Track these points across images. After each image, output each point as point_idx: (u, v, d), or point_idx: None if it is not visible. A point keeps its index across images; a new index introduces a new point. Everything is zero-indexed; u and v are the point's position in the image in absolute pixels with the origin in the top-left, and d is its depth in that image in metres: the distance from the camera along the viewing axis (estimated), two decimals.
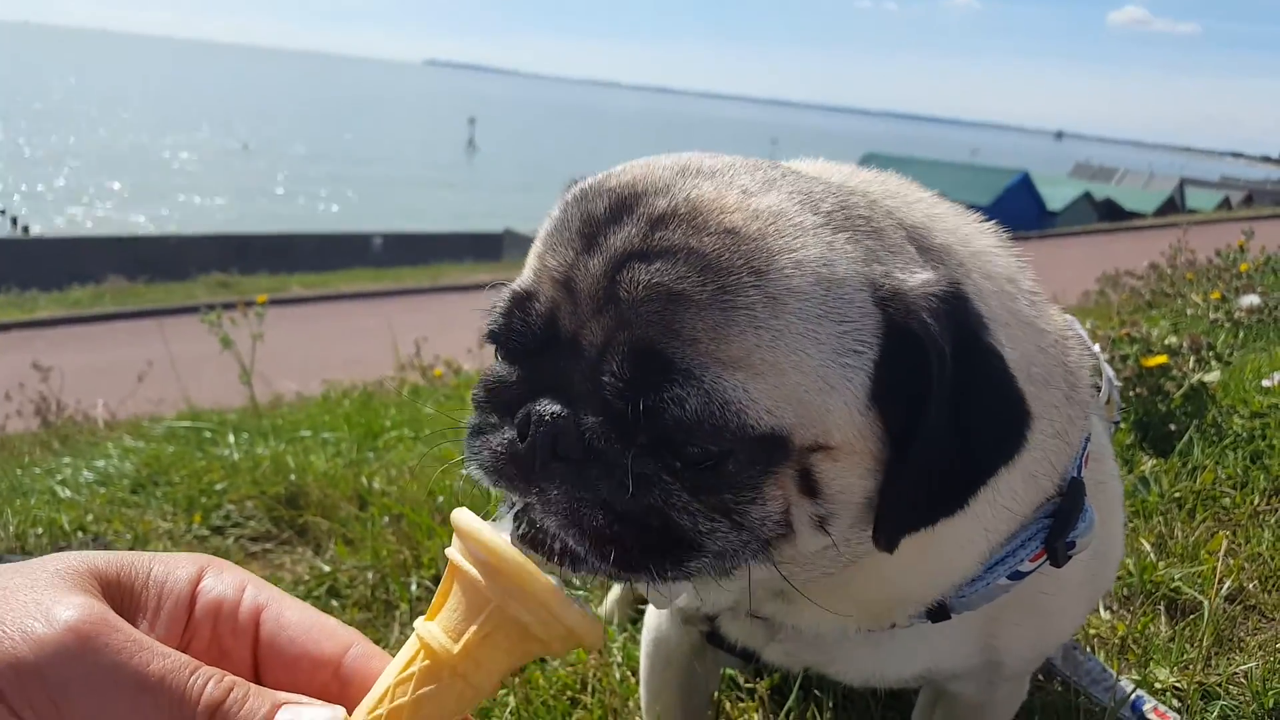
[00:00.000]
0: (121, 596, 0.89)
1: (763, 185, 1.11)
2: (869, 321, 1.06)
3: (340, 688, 0.91)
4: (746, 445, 1.02)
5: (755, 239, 1.04)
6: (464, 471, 1.14)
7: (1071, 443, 1.31)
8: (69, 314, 21.03)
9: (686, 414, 0.99)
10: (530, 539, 1.06)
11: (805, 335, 1.02)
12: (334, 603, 2.86)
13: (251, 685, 0.84)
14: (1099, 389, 1.55)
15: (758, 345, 1.01)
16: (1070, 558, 1.30)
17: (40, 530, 3.63)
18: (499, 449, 1.08)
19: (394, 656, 0.93)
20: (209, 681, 0.82)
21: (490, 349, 1.19)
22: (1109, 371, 1.62)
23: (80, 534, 3.58)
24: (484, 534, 0.92)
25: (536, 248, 1.16)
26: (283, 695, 0.85)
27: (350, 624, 2.81)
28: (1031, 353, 1.24)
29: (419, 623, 0.93)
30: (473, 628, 0.90)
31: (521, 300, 1.12)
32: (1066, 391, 1.31)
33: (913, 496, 1.08)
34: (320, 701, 0.86)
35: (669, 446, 1.02)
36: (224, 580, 0.94)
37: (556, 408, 1.05)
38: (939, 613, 1.31)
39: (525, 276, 1.15)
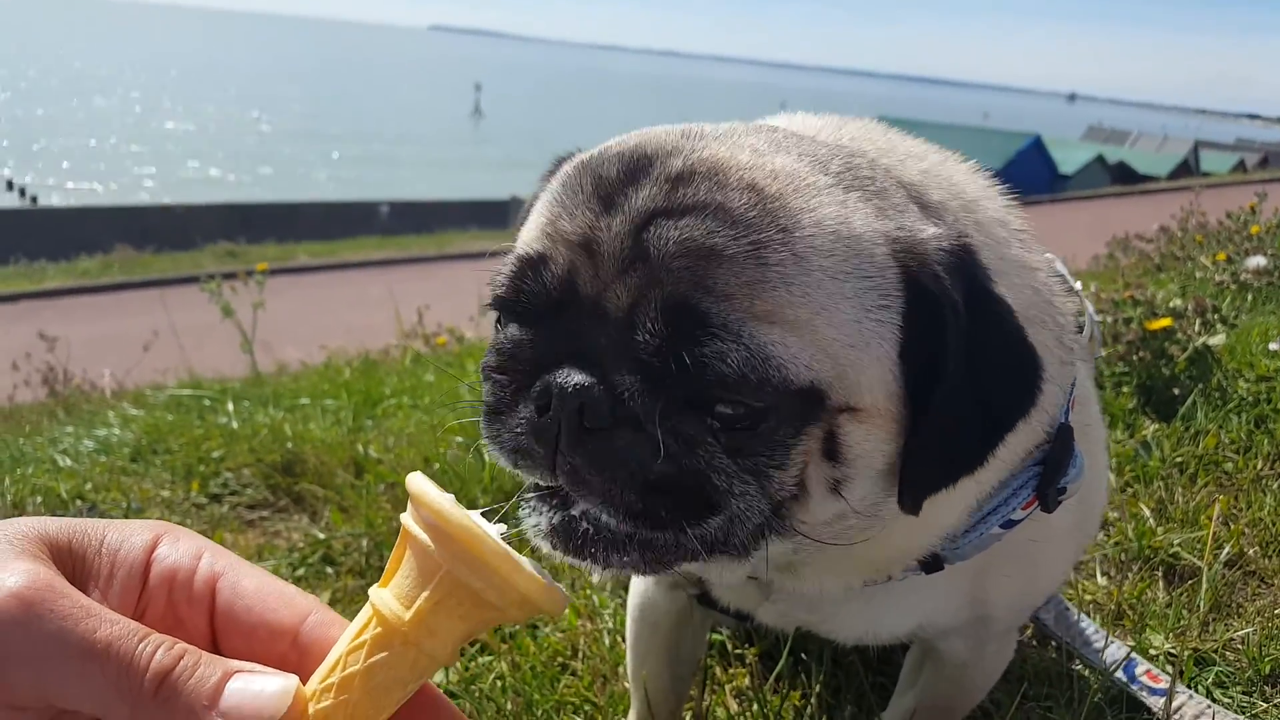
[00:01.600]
0: (74, 564, 0.87)
1: (771, 146, 1.11)
2: (891, 275, 1.06)
3: (299, 656, 0.89)
4: (787, 401, 1.01)
5: (778, 197, 1.03)
6: (487, 454, 1.11)
7: (1062, 385, 1.29)
8: (77, 284, 21.06)
9: (730, 369, 0.97)
10: (562, 529, 1.06)
11: (834, 292, 1.02)
12: (328, 570, 2.85)
13: (203, 653, 0.83)
14: (1081, 329, 1.52)
15: (790, 301, 1.00)
16: (1060, 503, 1.29)
17: (39, 499, 3.64)
18: (518, 428, 1.06)
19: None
20: (158, 649, 0.80)
21: (490, 321, 1.16)
22: (1089, 307, 1.59)
23: (78, 502, 3.59)
24: (433, 497, 0.89)
25: (540, 216, 1.12)
26: (234, 663, 0.83)
27: (344, 591, 2.81)
28: (1026, 295, 1.23)
29: (373, 590, 0.91)
30: (424, 594, 0.88)
31: (532, 264, 1.08)
32: (1056, 333, 1.29)
33: (936, 457, 1.08)
34: (273, 670, 0.84)
35: (705, 406, 1.01)
36: (179, 548, 0.92)
37: (580, 377, 1.02)
38: (932, 564, 1.29)
39: (530, 243, 1.11)
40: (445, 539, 0.88)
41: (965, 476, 1.12)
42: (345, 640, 0.88)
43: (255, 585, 0.91)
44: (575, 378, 1.02)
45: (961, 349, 1.03)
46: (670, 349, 0.99)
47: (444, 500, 0.90)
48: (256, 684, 0.82)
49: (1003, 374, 1.08)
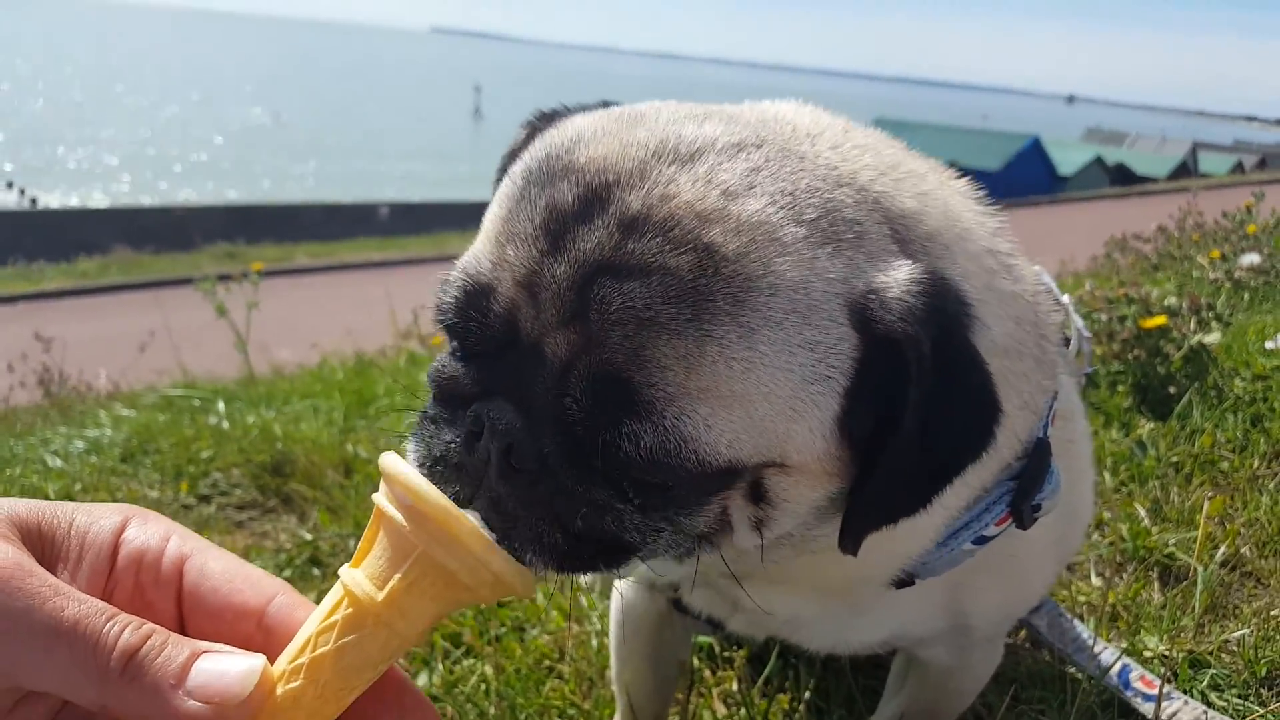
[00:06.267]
0: (43, 545, 0.88)
1: (744, 182, 1.02)
2: (844, 346, 1.00)
3: (264, 638, 0.89)
4: (700, 478, 0.99)
5: (734, 260, 0.96)
6: (408, 456, 1.08)
7: (1037, 409, 1.25)
8: (76, 285, 21.08)
9: (640, 451, 0.95)
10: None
11: (777, 366, 0.97)
12: (315, 571, 2.83)
13: (170, 633, 0.83)
14: (1069, 341, 1.49)
15: (728, 376, 0.95)
16: (1036, 520, 1.25)
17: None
18: (451, 443, 1.03)
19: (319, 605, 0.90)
20: (125, 628, 0.81)
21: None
22: (1079, 322, 1.56)
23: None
24: (410, 478, 0.88)
25: (495, 224, 1.08)
26: (202, 644, 0.83)
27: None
28: (1008, 327, 1.18)
29: (344, 570, 0.90)
30: (398, 575, 0.87)
31: (477, 295, 1.04)
32: (1037, 356, 1.24)
33: (877, 504, 1.06)
34: (240, 650, 0.84)
35: (623, 472, 0.99)
36: (148, 530, 0.92)
37: (511, 416, 1.00)
38: (903, 579, 1.26)
39: (482, 262, 1.06)
40: (421, 519, 0.87)
41: (906, 519, 1.09)
42: (315, 620, 0.87)
43: (222, 567, 0.92)
44: (506, 417, 1.00)
45: (920, 404, 0.99)
46: (591, 423, 0.97)
47: (419, 480, 0.89)
48: (223, 664, 0.82)
49: (959, 423, 1.04)
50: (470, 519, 0.89)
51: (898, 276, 1.02)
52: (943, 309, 1.02)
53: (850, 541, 1.07)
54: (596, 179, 1.02)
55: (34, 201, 40.17)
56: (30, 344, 8.89)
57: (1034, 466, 1.23)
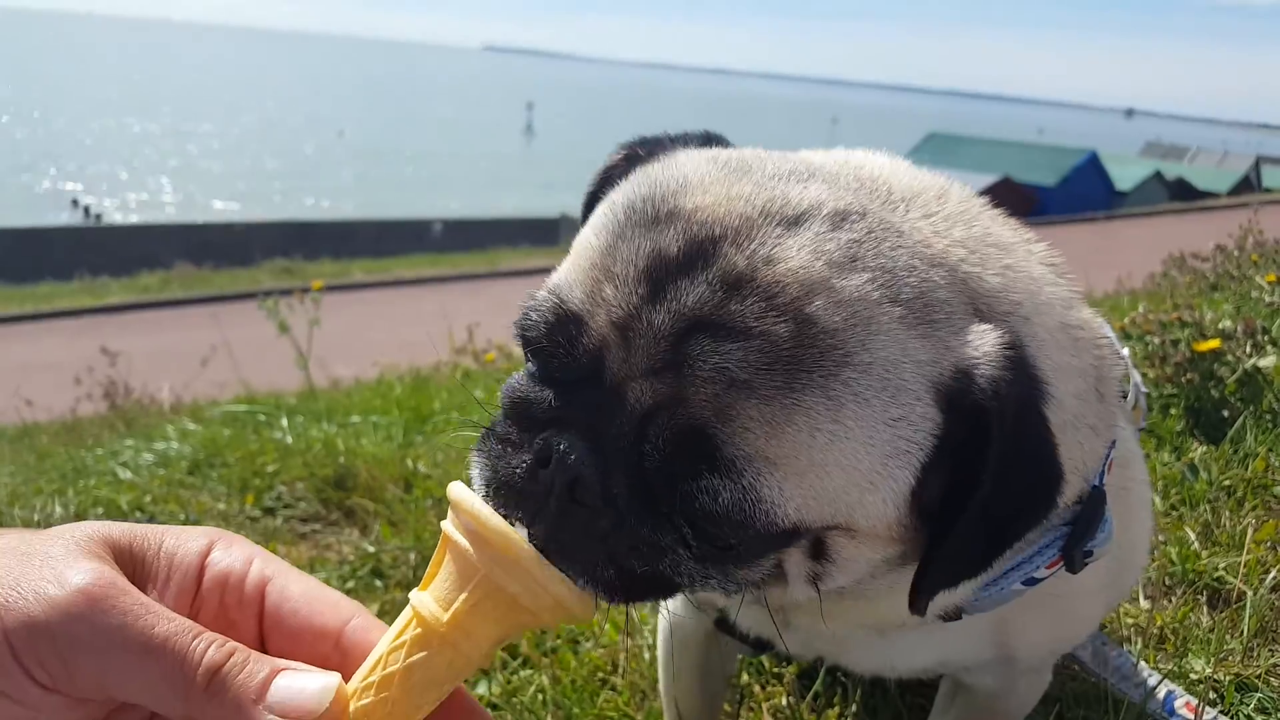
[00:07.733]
0: (134, 566, 0.94)
1: (847, 254, 1.03)
2: (927, 424, 1.03)
3: (341, 658, 0.95)
4: (765, 537, 1.02)
5: (832, 334, 0.98)
6: (470, 471, 1.12)
7: (1088, 474, 1.26)
8: (138, 300, 21.69)
9: (717, 506, 0.97)
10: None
11: (859, 441, 0.99)
12: (377, 583, 2.93)
13: (252, 651, 0.89)
14: (1126, 394, 1.51)
15: (810, 446, 0.97)
16: (1086, 564, 1.27)
17: (101, 510, 3.77)
18: (518, 469, 1.05)
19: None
20: (210, 645, 0.86)
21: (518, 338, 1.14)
22: (1136, 377, 1.57)
23: (138, 514, 3.71)
24: (473, 504, 0.95)
25: (592, 255, 1.08)
26: (281, 662, 0.89)
27: (393, 604, 2.87)
28: (1070, 402, 1.21)
29: (413, 592, 0.97)
30: (462, 596, 0.93)
31: (568, 323, 1.06)
32: (1093, 424, 1.25)
33: (949, 564, 1.08)
34: (317, 669, 0.90)
35: (690, 522, 1.01)
36: (232, 553, 0.98)
37: (582, 451, 1.01)
38: (951, 613, 1.29)
39: (574, 290, 1.07)
40: (482, 543, 0.94)
41: (967, 580, 1.12)
42: (386, 641, 0.94)
43: (301, 590, 0.98)
44: (576, 453, 1.01)
45: (995, 469, 1.01)
46: (669, 471, 0.99)
47: (483, 507, 0.96)
48: (301, 681, 0.88)
49: (1026, 490, 1.06)
50: (530, 545, 0.95)
51: (986, 350, 1.04)
52: (1020, 379, 1.04)
53: (921, 603, 1.09)
54: (702, 231, 1.03)
55: (98, 218, 41.39)
56: (95, 357, 9.17)
57: (1088, 514, 1.24)
